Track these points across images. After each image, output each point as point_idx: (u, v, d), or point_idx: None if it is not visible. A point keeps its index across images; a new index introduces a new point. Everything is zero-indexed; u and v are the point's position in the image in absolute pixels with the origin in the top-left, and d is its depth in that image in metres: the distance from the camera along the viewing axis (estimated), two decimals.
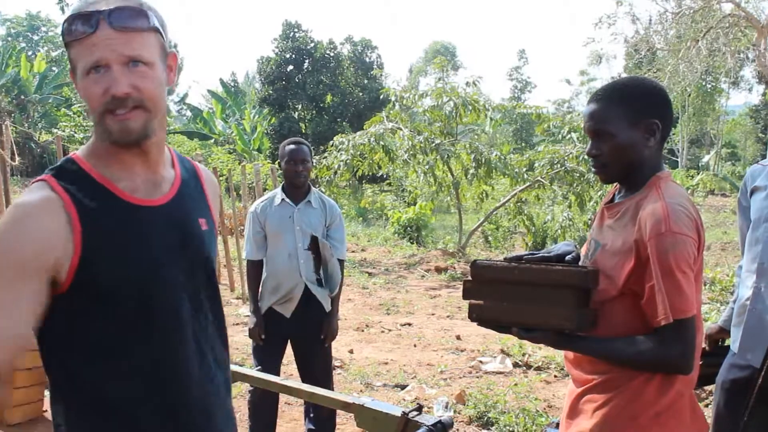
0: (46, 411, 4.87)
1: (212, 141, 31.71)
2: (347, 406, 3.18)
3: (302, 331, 4.19)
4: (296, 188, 4.15)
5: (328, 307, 4.23)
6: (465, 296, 2.18)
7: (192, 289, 1.61)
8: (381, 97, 23.89)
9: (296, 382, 3.63)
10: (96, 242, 1.45)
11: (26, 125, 27.63)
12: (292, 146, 4.14)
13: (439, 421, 2.84)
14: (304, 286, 4.12)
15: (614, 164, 2.04)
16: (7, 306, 1.39)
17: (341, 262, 4.27)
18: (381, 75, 29.61)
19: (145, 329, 1.53)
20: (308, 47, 31.78)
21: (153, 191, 1.57)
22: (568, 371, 2.17)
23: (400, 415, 2.91)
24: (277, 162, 17.40)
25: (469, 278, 2.18)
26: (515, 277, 2.06)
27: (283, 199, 4.16)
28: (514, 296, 2.07)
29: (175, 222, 1.59)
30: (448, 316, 9.24)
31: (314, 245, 4.14)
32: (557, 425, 2.43)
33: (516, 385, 5.89)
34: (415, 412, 2.92)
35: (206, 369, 1.64)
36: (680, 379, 1.94)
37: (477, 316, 2.13)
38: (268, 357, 4.19)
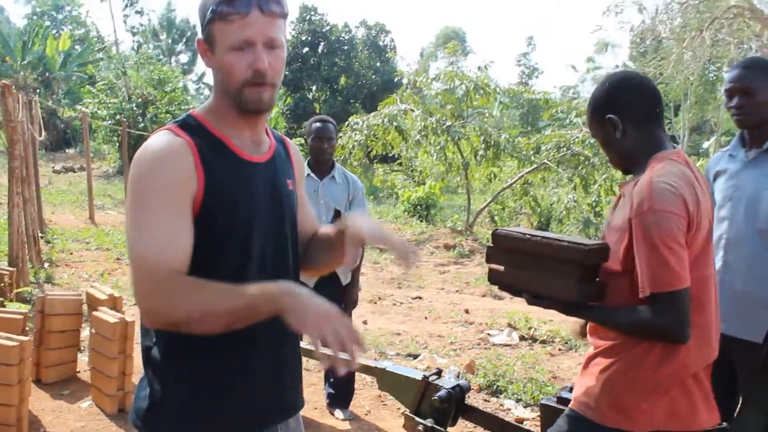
0: (79, 372, 4.97)
1: None
2: (369, 370, 3.26)
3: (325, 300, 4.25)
4: (321, 164, 4.20)
5: (345, 281, 4.29)
6: (487, 261, 2.29)
7: (280, 236, 1.75)
8: (395, 79, 23.78)
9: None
10: (213, 184, 1.60)
11: (51, 101, 27.59)
12: (318, 124, 4.19)
13: (458, 385, 2.92)
14: None
15: (613, 161, 2.23)
16: (175, 221, 1.55)
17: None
18: (394, 58, 29.46)
19: (242, 264, 1.65)
20: (324, 30, 31.67)
21: (256, 151, 1.73)
22: (589, 337, 2.24)
23: (420, 378, 2.98)
24: (294, 140, 17.38)
25: (491, 245, 2.27)
26: (528, 248, 2.14)
27: (308, 174, 4.21)
28: (526, 265, 2.15)
29: (271, 178, 1.74)
30: (456, 291, 9.31)
31: (337, 219, 4.19)
32: (570, 389, 2.50)
33: (523, 356, 5.96)
34: (435, 376, 3.00)
35: None
36: (686, 352, 1.96)
37: (495, 279, 2.26)
38: None
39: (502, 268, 2.23)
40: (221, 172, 1.62)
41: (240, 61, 1.58)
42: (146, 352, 1.70)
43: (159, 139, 1.61)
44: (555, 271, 2.06)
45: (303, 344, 3.62)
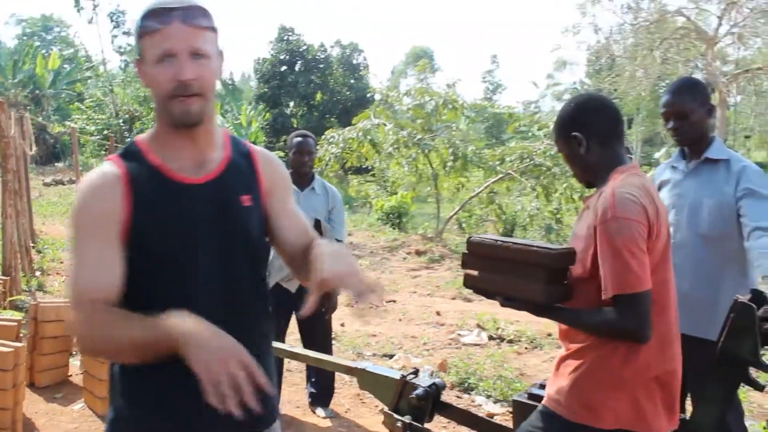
0: (71, 375, 4.89)
1: None
2: (351, 370, 3.24)
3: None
4: (302, 176, 4.19)
5: None
6: (462, 266, 2.29)
7: (230, 255, 1.61)
8: (368, 95, 23.78)
9: (306, 350, 3.69)
10: (142, 212, 1.53)
11: (40, 118, 27.23)
12: (299, 139, 4.18)
13: (434, 383, 2.91)
14: None
15: (578, 174, 2.24)
16: (104, 253, 1.50)
17: (340, 243, 4.30)
18: (367, 76, 29.49)
19: (184, 288, 1.55)
20: (301, 49, 31.65)
21: (198, 171, 1.61)
22: (559, 341, 2.24)
23: (399, 378, 2.97)
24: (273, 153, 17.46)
25: (466, 251, 2.27)
26: (499, 254, 2.15)
27: None
28: (499, 270, 2.16)
29: (217, 197, 1.60)
30: (428, 294, 9.31)
31: (317, 228, 4.18)
32: (541, 386, 2.51)
33: (492, 355, 5.97)
34: (412, 375, 2.99)
35: (241, 336, 1.45)
36: (648, 353, 1.97)
37: (470, 284, 2.26)
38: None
39: (476, 272, 2.23)
40: (152, 199, 1.55)
41: (164, 74, 1.50)
42: (110, 368, 1.65)
43: (94, 173, 1.58)
44: (525, 274, 2.06)
45: (282, 345, 3.59)
